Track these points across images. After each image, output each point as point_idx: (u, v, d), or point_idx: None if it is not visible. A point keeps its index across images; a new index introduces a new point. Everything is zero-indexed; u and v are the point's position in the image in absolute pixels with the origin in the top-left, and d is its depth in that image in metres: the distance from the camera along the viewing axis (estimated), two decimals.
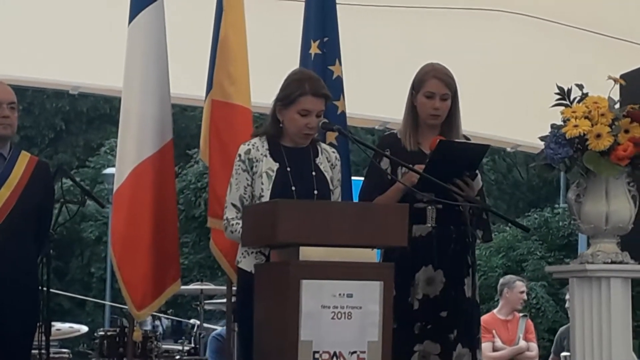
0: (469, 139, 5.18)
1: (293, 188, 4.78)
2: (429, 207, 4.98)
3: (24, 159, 5.26)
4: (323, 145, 5.04)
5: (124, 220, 6.06)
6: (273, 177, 4.80)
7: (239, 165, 4.85)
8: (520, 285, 9.50)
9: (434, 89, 5.02)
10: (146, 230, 6.03)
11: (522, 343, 9.29)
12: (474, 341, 5.05)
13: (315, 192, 4.83)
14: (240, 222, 4.72)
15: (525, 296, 9.49)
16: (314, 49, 6.20)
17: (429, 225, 5.00)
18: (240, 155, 4.86)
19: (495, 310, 9.57)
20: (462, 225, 5.00)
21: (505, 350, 9.20)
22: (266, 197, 4.76)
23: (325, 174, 4.92)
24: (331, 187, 4.92)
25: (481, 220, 5.09)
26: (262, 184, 4.79)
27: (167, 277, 6.12)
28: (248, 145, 4.89)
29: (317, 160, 4.92)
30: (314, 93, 4.79)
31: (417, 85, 5.08)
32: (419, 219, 4.95)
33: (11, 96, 5.19)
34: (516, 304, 9.40)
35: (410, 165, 4.87)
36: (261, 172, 4.81)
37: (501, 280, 9.82)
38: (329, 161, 4.97)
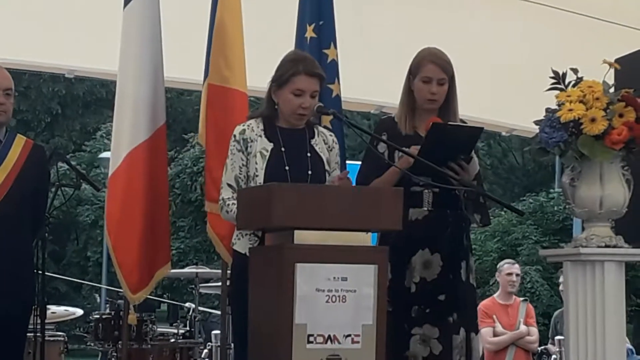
0: (465, 122, 5.19)
1: (287, 168, 4.79)
2: (426, 191, 5.00)
3: (20, 142, 5.26)
4: (320, 128, 5.04)
5: (119, 204, 6.07)
6: (267, 157, 4.80)
7: (234, 146, 4.85)
8: (507, 267, 9.49)
9: (430, 74, 5.03)
10: (140, 214, 6.04)
11: (523, 328, 9.29)
12: (472, 325, 5.07)
13: (310, 172, 4.82)
14: (235, 202, 4.72)
15: (514, 278, 9.43)
16: (310, 33, 6.21)
17: (425, 208, 5.01)
18: (235, 136, 4.87)
19: (495, 295, 9.58)
20: (458, 208, 5.01)
21: (505, 335, 9.20)
22: (260, 177, 4.77)
23: (321, 154, 4.92)
24: (327, 168, 4.92)
25: (478, 204, 5.10)
26: (256, 163, 4.80)
27: (158, 260, 6.14)
28: (243, 126, 4.90)
29: (313, 142, 4.92)
30: (308, 72, 4.80)
31: (414, 70, 5.09)
32: (415, 202, 4.97)
33: (7, 82, 5.18)
34: (506, 287, 9.41)
35: (406, 149, 4.87)
36: (255, 152, 4.81)
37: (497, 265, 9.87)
38: (325, 143, 4.97)
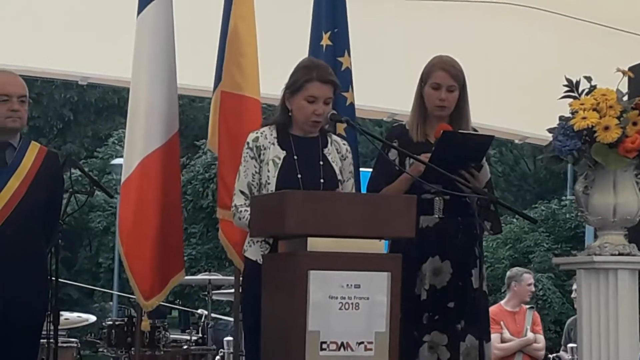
0: (476, 130, 5.19)
1: (299, 176, 4.79)
2: (437, 198, 5.00)
3: (34, 149, 5.27)
4: (334, 136, 5.03)
5: (132, 211, 6.07)
6: (279, 165, 4.81)
7: (247, 153, 4.86)
8: (528, 277, 9.51)
9: (440, 81, 5.05)
10: (153, 221, 6.05)
11: (530, 335, 9.30)
12: (483, 333, 5.05)
13: (322, 181, 4.82)
14: (248, 209, 4.73)
15: (533, 288, 9.50)
16: (325, 41, 6.20)
17: (436, 216, 5.02)
18: (248, 143, 4.87)
19: (502, 302, 9.57)
20: (469, 216, 5.00)
21: (513, 341, 9.20)
22: (272, 185, 4.77)
23: (333, 164, 4.92)
24: (340, 177, 4.92)
25: (489, 212, 5.10)
26: (269, 171, 4.80)
27: (172, 267, 6.15)
28: (257, 133, 4.91)
29: (326, 151, 4.93)
30: (321, 79, 4.80)
31: (424, 77, 5.11)
32: (426, 209, 4.97)
33: (21, 89, 5.19)
34: (524, 297, 9.41)
35: (416, 156, 4.88)
36: (268, 160, 4.82)
37: (508, 273, 9.82)
38: (338, 152, 4.97)
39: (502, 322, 9.21)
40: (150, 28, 6.14)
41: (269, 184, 4.79)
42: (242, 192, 4.85)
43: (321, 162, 4.88)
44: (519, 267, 10.48)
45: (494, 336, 9.07)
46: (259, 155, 4.84)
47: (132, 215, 6.06)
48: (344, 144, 5.03)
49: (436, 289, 4.98)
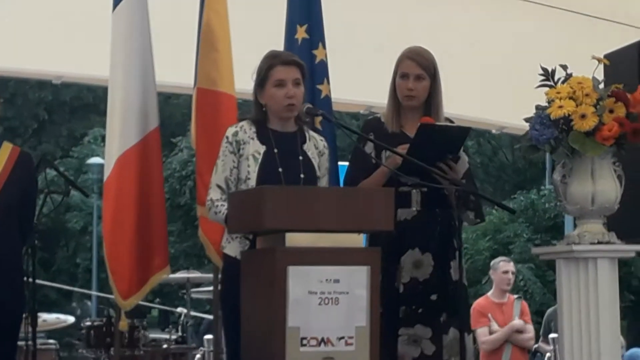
0: (452, 122, 5.17)
1: (280, 170, 4.77)
2: (414, 191, 4.98)
3: (6, 150, 5.23)
4: (311, 132, 5.01)
5: (111, 210, 6.04)
6: (260, 160, 4.78)
7: (226, 147, 4.83)
8: (503, 265, 9.45)
9: (407, 70, 5.04)
10: (131, 219, 6.01)
11: (516, 320, 9.21)
12: (464, 325, 5.04)
13: (302, 175, 4.80)
14: (225, 203, 4.70)
15: (510, 276, 9.39)
16: (301, 34, 6.17)
17: (414, 208, 4.99)
18: (227, 137, 4.84)
19: (489, 294, 9.54)
20: (447, 208, 4.99)
21: (499, 332, 9.12)
22: (253, 180, 4.75)
23: (313, 160, 4.90)
24: (318, 173, 4.90)
25: (470, 201, 5.08)
26: (249, 166, 4.77)
27: (153, 265, 6.10)
28: (236, 127, 4.88)
29: (305, 146, 4.91)
30: (283, 62, 4.81)
31: (395, 68, 5.11)
32: (403, 202, 4.94)
33: None
34: (502, 285, 9.36)
35: (393, 149, 4.86)
36: (248, 155, 4.79)
37: (491, 263, 9.82)
38: (316, 148, 4.95)
39: (489, 315, 9.16)
40: (125, 23, 6.09)
41: (249, 179, 4.76)
42: (218, 187, 4.81)
43: (301, 157, 4.86)
44: (501, 257, 10.42)
45: (482, 330, 9.06)
46: (238, 150, 4.81)
47: (112, 214, 6.04)
48: (321, 140, 5.01)
49: (418, 281, 4.96)
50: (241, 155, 4.81)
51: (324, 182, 4.96)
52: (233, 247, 4.76)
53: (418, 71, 5.02)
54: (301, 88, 4.82)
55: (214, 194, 4.81)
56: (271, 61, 4.81)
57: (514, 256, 19.97)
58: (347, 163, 5.32)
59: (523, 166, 28.89)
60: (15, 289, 5.16)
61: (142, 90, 6.10)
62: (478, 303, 9.29)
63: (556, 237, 19.26)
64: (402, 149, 4.83)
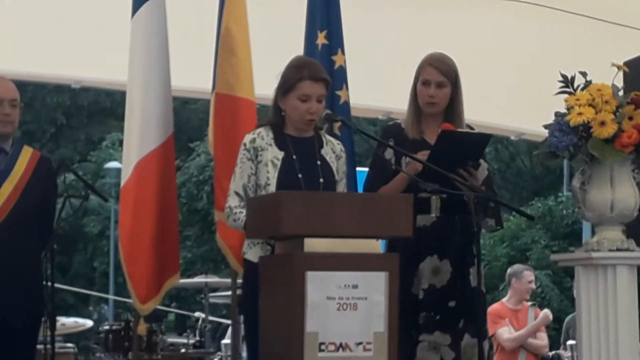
0: (472, 128, 5.17)
1: (299, 175, 4.77)
2: (434, 197, 4.98)
3: (26, 154, 5.25)
4: (328, 136, 5.02)
5: (130, 215, 6.05)
6: (279, 166, 4.79)
7: (244, 154, 4.83)
8: (529, 274, 9.45)
9: (429, 77, 5.04)
10: (150, 224, 6.02)
11: (545, 312, 9.23)
12: (481, 332, 5.03)
13: (321, 180, 4.81)
14: (243, 210, 4.71)
15: (533, 285, 9.43)
16: (321, 40, 6.17)
17: (434, 215, 4.99)
18: (245, 144, 4.85)
19: (504, 300, 9.52)
20: (467, 214, 4.98)
21: (523, 330, 9.10)
22: (272, 186, 4.75)
23: (331, 164, 4.90)
24: (336, 177, 4.91)
25: (489, 208, 5.07)
26: (268, 172, 4.78)
27: (168, 270, 6.12)
28: (253, 134, 4.88)
29: (323, 151, 4.91)
30: (313, 77, 4.79)
31: (416, 74, 5.10)
32: (423, 208, 4.94)
33: (13, 93, 5.18)
34: (524, 294, 9.35)
35: (414, 155, 4.86)
36: (266, 161, 4.80)
37: (509, 270, 9.76)
38: (334, 152, 4.95)
39: (506, 319, 9.16)
40: (144, 29, 6.10)
41: (269, 185, 4.77)
42: (237, 194, 4.82)
43: (319, 162, 4.87)
44: (520, 264, 10.40)
45: (503, 329, 9.05)
46: (256, 157, 4.82)
47: (131, 219, 6.04)
48: (338, 144, 5.02)
49: (436, 288, 4.96)
50: (259, 161, 4.81)
51: (341, 185, 4.96)
52: (254, 253, 4.76)
53: (440, 78, 5.02)
54: (323, 104, 4.83)
55: (232, 201, 4.82)
56: (301, 74, 4.79)
57: (531, 263, 19.93)
58: (365, 169, 5.32)
59: (541, 173, 28.82)
60: (35, 293, 5.18)
61: (161, 96, 6.12)
62: (494, 308, 9.27)
63: (574, 243, 19.23)
64: (422, 155, 4.83)
